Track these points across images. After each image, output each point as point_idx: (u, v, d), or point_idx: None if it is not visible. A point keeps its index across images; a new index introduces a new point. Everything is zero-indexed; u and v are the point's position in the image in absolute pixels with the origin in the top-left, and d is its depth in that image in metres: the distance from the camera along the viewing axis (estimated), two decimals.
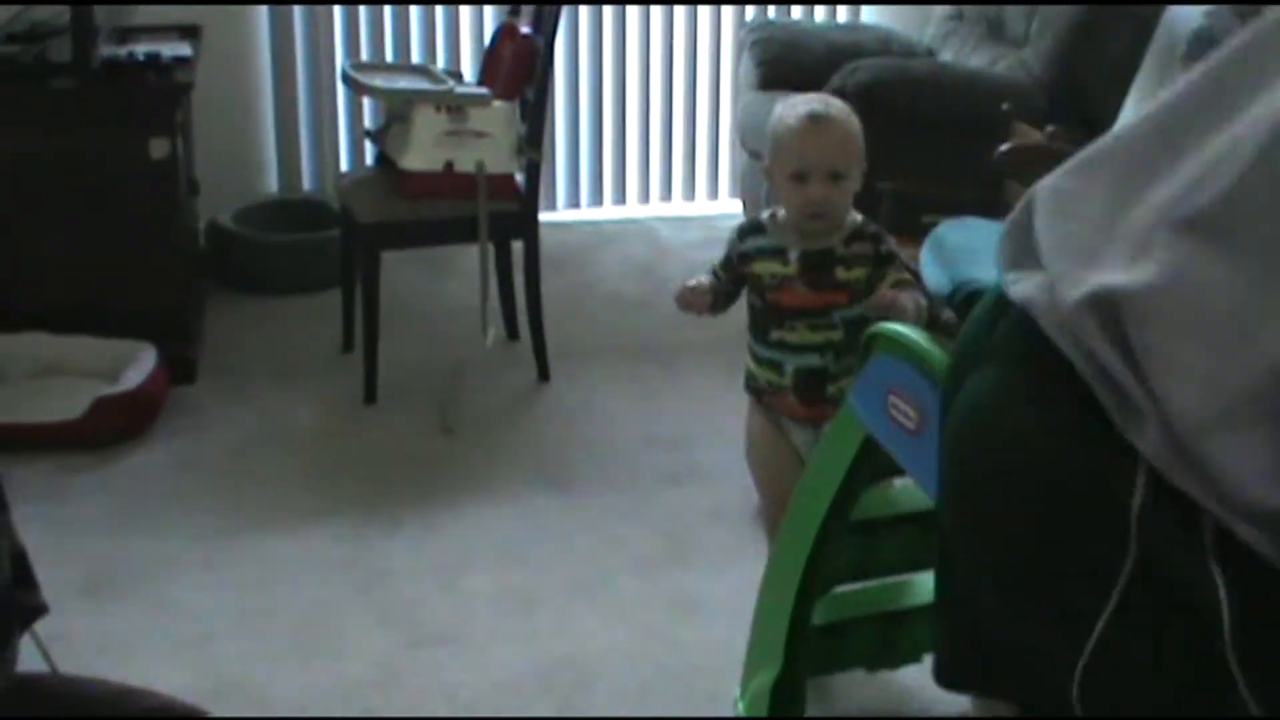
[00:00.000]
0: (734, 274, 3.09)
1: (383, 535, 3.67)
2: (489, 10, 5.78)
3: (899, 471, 2.47)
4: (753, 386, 3.17)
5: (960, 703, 3.09)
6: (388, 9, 5.72)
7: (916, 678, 3.03)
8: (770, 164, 3.05)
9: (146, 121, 4.30)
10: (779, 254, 3.03)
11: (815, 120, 2.97)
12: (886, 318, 2.78)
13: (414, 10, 5.77)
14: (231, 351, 4.71)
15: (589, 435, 4.24)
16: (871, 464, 2.57)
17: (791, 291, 3.03)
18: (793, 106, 3.02)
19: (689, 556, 3.62)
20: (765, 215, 3.09)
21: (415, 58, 5.76)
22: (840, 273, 3.01)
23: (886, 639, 2.93)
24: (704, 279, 3.08)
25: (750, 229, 3.09)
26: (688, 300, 3.07)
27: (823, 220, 2.99)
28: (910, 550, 2.83)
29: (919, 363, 2.35)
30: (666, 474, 4.01)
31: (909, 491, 2.62)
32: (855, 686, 3.11)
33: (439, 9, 5.78)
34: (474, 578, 3.51)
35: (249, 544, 3.62)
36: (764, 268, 3.04)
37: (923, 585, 3.01)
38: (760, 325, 3.09)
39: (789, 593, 2.75)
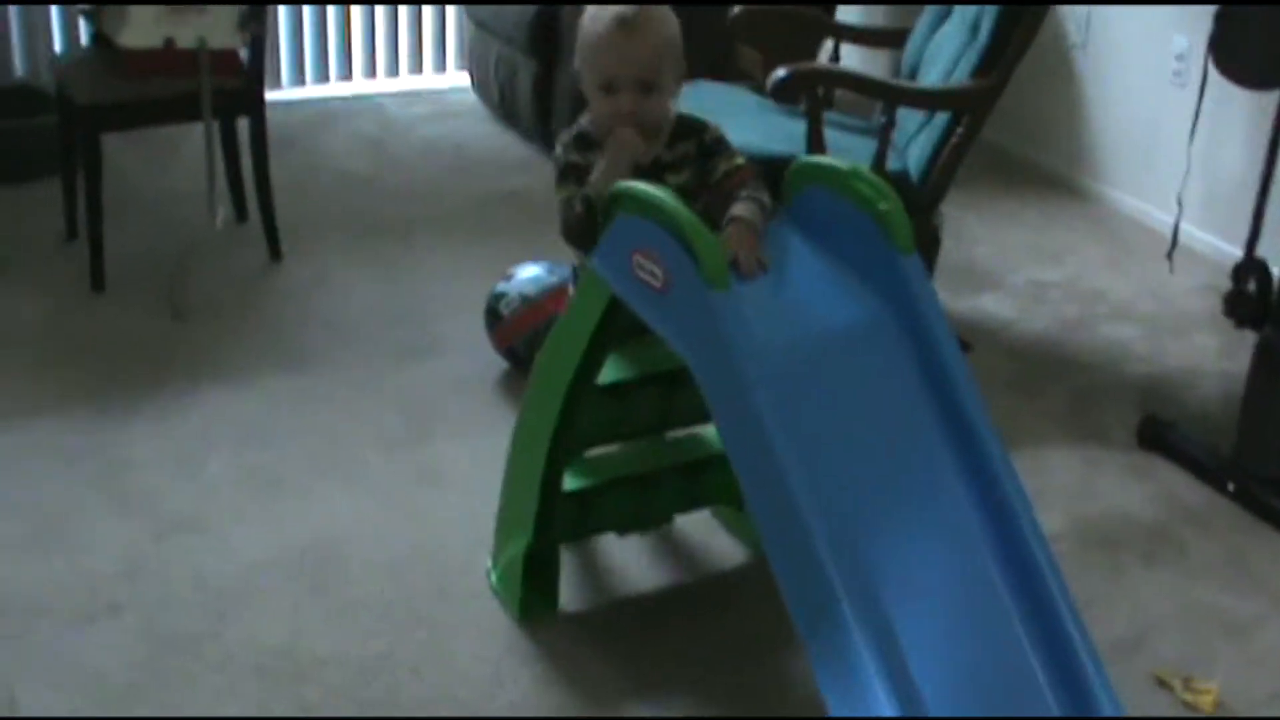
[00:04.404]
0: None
1: (117, 425, 3.57)
2: None
3: (646, 331, 2.46)
4: None
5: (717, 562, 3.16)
6: None
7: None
8: (580, 70, 2.84)
9: None
10: None
11: (623, 27, 2.75)
12: None
13: None
14: None
15: (325, 313, 4.17)
16: (617, 326, 2.57)
17: None
18: (600, 11, 2.80)
19: (433, 430, 3.59)
20: (587, 125, 2.85)
21: None
22: (670, 179, 2.80)
23: (637, 502, 2.94)
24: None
25: (582, 143, 2.83)
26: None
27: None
28: (659, 411, 2.83)
29: (665, 221, 2.35)
30: (406, 348, 3.97)
31: (657, 351, 2.61)
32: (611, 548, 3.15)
33: None
34: (215, 462, 3.44)
35: None
36: None
37: (673, 447, 3.04)
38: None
39: (538, 459, 2.74)
